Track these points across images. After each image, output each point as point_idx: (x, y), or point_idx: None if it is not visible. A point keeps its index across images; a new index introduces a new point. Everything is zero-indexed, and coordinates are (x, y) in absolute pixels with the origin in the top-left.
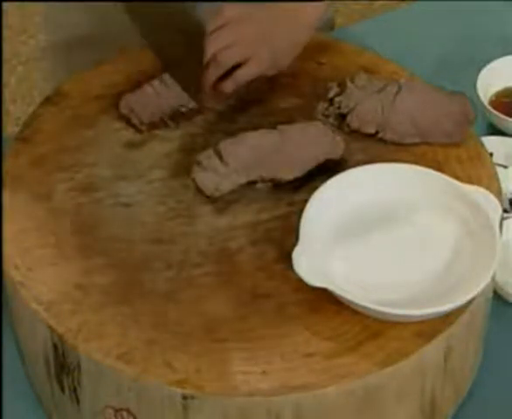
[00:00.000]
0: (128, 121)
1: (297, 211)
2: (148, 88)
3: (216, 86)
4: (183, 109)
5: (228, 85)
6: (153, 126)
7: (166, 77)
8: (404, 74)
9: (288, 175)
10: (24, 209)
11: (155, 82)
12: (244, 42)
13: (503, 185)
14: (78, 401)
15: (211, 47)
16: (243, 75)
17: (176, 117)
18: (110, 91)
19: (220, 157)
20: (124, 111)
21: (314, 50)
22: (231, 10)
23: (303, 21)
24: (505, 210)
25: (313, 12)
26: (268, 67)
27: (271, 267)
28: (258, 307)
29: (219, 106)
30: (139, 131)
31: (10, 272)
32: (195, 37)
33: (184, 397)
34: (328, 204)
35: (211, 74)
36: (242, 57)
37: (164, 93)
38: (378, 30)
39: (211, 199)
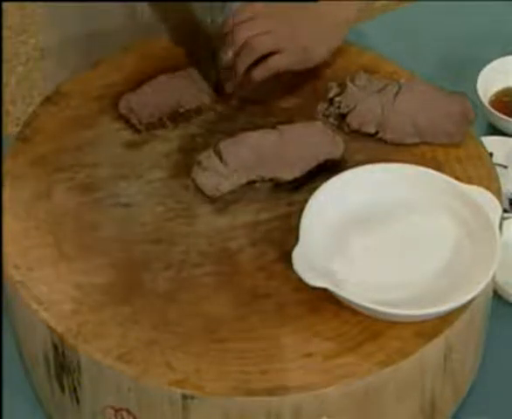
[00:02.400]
0: (127, 121)
1: (297, 211)
2: (147, 88)
3: (246, 75)
4: (182, 110)
5: (259, 73)
6: (151, 126)
7: (164, 77)
8: (404, 74)
9: (288, 175)
10: (23, 209)
11: (155, 82)
12: (276, 32)
13: (503, 185)
14: (78, 401)
15: (244, 34)
16: (276, 62)
17: (175, 117)
18: (110, 91)
19: (220, 157)
20: (123, 111)
21: None
22: (261, 6)
23: (334, 20)
24: (505, 210)
25: (344, 12)
26: (299, 60)
27: (271, 267)
28: (258, 307)
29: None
30: (138, 131)
31: (10, 272)
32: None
33: (184, 397)
34: (329, 204)
35: (244, 60)
36: (275, 45)
37: (163, 94)
38: (378, 30)
39: (210, 199)
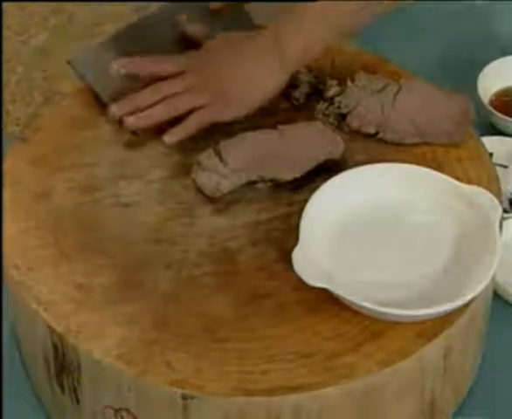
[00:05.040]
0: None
1: (297, 211)
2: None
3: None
4: None
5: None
6: (148, 128)
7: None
8: (404, 74)
9: (288, 175)
10: (24, 209)
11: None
12: (203, 88)
13: (503, 185)
14: (78, 401)
15: (167, 88)
16: (200, 116)
17: (172, 120)
18: None
19: (220, 157)
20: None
21: None
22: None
23: (278, 60)
24: (505, 210)
25: (293, 48)
26: (226, 112)
27: (271, 267)
28: (258, 307)
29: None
30: (135, 134)
31: (10, 272)
32: None
33: (184, 397)
34: (328, 204)
35: (159, 114)
36: (199, 101)
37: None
38: (378, 30)
39: (211, 199)
